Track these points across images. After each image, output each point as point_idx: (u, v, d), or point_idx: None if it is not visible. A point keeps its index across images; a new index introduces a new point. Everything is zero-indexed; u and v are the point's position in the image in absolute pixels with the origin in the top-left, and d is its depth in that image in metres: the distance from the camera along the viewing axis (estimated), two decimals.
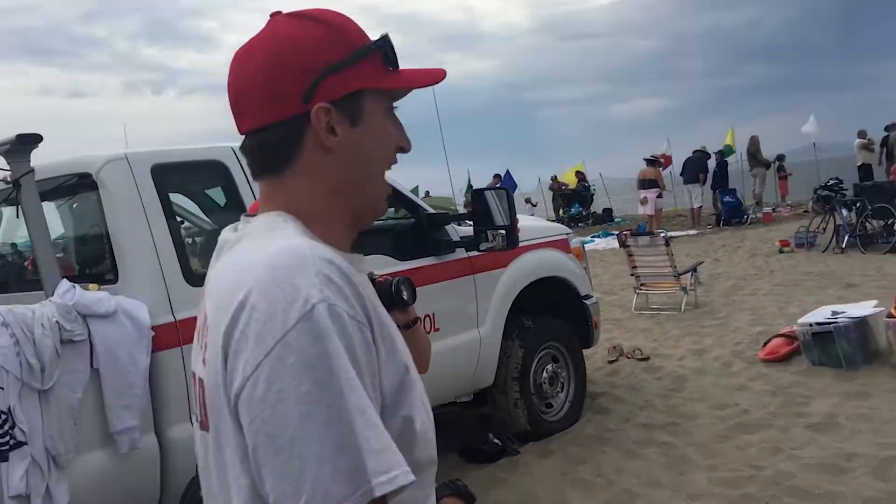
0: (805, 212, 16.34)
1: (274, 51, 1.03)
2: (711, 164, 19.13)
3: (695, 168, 18.68)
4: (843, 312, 6.20)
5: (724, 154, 19.84)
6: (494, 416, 5.10)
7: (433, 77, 1.13)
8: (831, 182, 13.09)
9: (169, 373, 3.25)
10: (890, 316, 5.90)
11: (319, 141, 1.03)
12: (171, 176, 3.66)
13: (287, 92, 1.02)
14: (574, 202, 24.89)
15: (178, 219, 3.90)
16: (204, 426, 1.01)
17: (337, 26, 1.06)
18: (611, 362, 6.90)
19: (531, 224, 5.61)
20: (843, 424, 4.78)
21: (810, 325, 6.08)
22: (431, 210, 4.67)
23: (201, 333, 1.02)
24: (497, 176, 23.29)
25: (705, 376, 6.21)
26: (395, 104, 1.12)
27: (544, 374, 5.22)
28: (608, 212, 24.31)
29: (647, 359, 6.85)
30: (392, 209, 4.86)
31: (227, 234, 1.09)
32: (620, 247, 9.71)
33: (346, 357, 0.88)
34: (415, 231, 4.50)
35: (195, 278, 3.39)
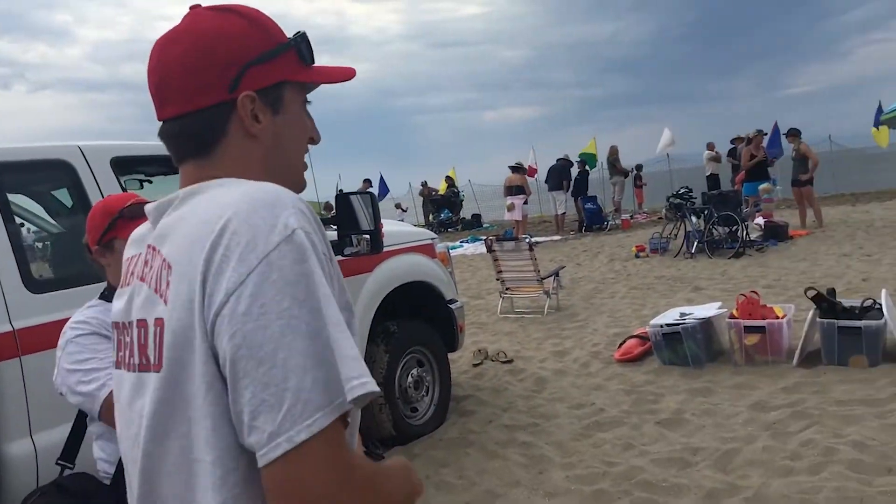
0: (659, 218, 17.20)
1: (200, 41, 1.08)
2: (574, 171, 19.84)
3: (558, 176, 19.34)
4: (690, 314, 6.58)
5: (585, 163, 20.60)
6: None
7: (345, 74, 1.21)
8: (682, 191, 13.85)
9: (7, 386, 3.05)
10: (732, 317, 6.29)
11: (244, 127, 1.10)
12: (10, 176, 3.44)
13: (213, 80, 1.08)
14: (444, 208, 25.20)
15: (20, 221, 3.67)
16: (153, 367, 1.02)
17: (258, 21, 1.13)
18: (476, 365, 7.03)
19: (396, 229, 5.64)
20: (689, 420, 5.07)
21: (661, 326, 6.40)
22: None
23: (153, 278, 1.04)
24: (367, 181, 23.26)
25: (565, 377, 6.42)
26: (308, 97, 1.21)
27: (409, 379, 5.26)
28: (477, 217, 24.75)
29: (510, 361, 7.02)
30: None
31: (159, 202, 1.12)
32: (487, 252, 9.91)
33: (323, 276, 0.96)
34: None
35: (38, 284, 3.20)
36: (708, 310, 6.80)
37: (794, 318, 6.49)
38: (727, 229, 12.53)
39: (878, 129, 17.66)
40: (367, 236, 4.35)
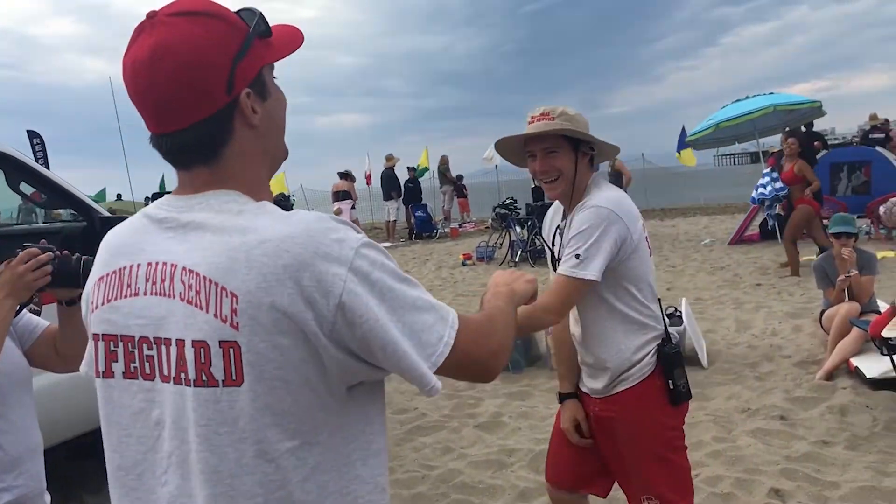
0: (487, 227, 17.70)
1: (186, 54, 1.11)
2: (403, 179, 20.05)
3: (389, 184, 19.47)
4: None
5: (416, 171, 20.86)
6: None
7: (299, 40, 1.26)
8: (507, 201, 14.35)
9: None
10: None
11: (246, 121, 1.17)
12: None
13: (212, 89, 1.12)
14: None
15: None
16: (227, 384, 1.08)
17: (224, 16, 1.16)
18: None
19: None
20: (506, 423, 5.24)
21: None
22: (106, 213, 4.36)
23: (204, 302, 1.09)
24: None
25: (389, 383, 6.44)
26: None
27: None
28: None
29: None
30: (63, 211, 4.47)
31: (168, 208, 1.20)
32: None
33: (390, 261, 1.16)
34: (86, 234, 4.17)
35: None
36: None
37: None
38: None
39: (679, 154, 18.98)
40: None
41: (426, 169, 21.84)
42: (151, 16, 1.14)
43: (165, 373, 1.15)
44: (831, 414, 4.85)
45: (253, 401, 1.08)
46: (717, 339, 6.99)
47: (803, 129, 15.77)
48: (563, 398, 2.74)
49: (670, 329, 2.65)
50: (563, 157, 2.45)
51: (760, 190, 11.77)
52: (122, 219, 4.52)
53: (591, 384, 2.61)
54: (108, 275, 1.23)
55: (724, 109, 14.04)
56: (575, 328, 2.63)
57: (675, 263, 11.80)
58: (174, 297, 1.13)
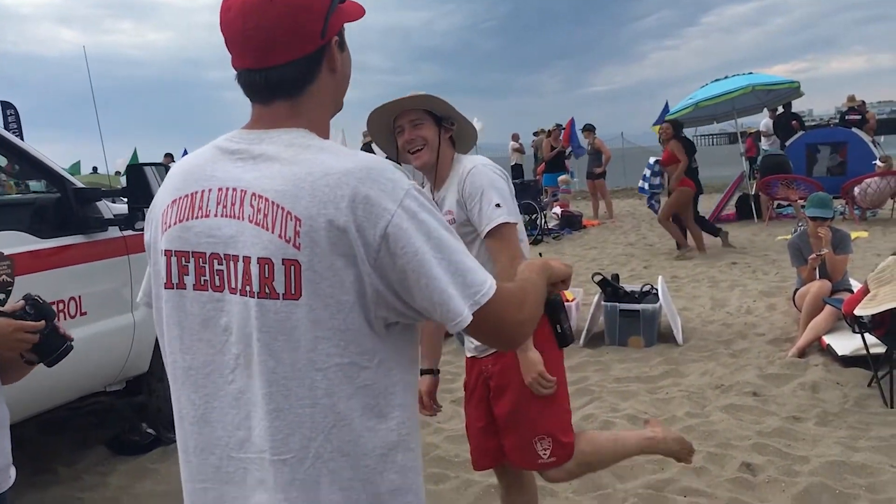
0: None
1: (292, 2, 1.27)
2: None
3: None
4: None
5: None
6: (150, 405, 4.86)
7: (362, 11, 1.41)
8: None
9: None
10: None
11: (331, 65, 1.34)
12: None
13: (311, 30, 1.29)
14: None
15: None
16: (287, 297, 1.22)
17: None
18: None
19: None
20: None
21: None
22: (81, 184, 4.30)
23: (270, 223, 1.23)
24: (168, 155, 22.13)
25: None
26: None
27: None
28: None
29: None
30: (37, 182, 4.41)
31: (239, 141, 1.34)
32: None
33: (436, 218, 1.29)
34: (60, 206, 4.11)
35: None
36: None
37: (581, 302, 6.92)
38: (527, 217, 13.13)
39: (654, 127, 19.00)
40: None
41: None
42: None
43: (233, 285, 1.28)
44: (803, 390, 4.92)
45: (308, 314, 1.22)
46: (693, 316, 7.06)
47: (781, 109, 15.90)
48: (422, 372, 2.86)
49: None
50: (428, 129, 2.63)
51: (641, 182, 12.06)
52: (97, 191, 4.51)
53: (472, 343, 2.77)
54: (180, 198, 1.35)
55: (704, 89, 14.08)
56: None
57: (652, 242, 11.89)
58: (243, 220, 1.26)
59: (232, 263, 1.28)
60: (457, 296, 1.24)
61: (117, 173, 18.89)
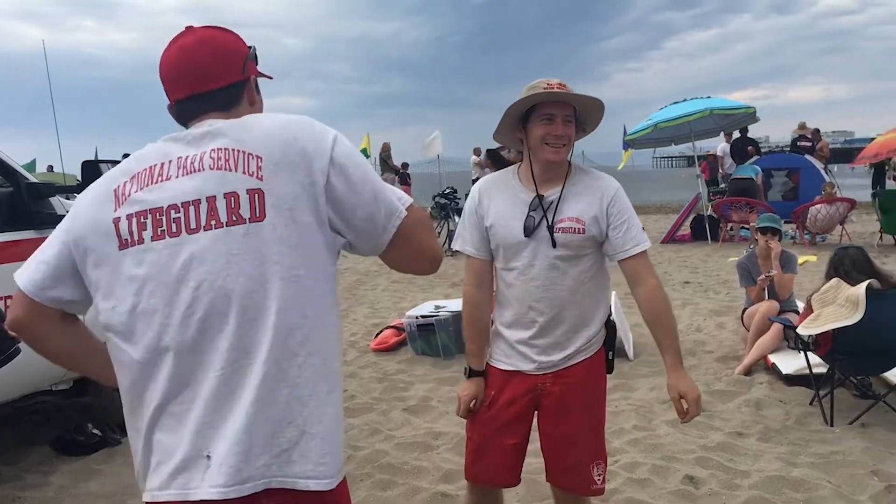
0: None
1: (219, 43, 1.65)
2: None
3: None
4: (444, 307, 6.87)
5: None
6: (96, 405, 4.79)
7: (269, 77, 1.76)
8: (447, 191, 14.39)
9: None
10: None
11: (250, 96, 1.69)
12: None
13: (233, 67, 1.64)
14: None
15: None
16: (253, 220, 1.47)
17: (237, 35, 1.69)
18: None
19: None
20: (435, 407, 5.29)
21: (416, 317, 6.63)
22: (34, 179, 4.25)
23: (232, 165, 1.50)
24: (126, 156, 21.77)
25: None
26: None
27: None
28: None
29: None
30: None
31: (184, 134, 1.59)
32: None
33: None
34: (12, 201, 4.06)
35: None
36: (461, 304, 7.12)
37: None
38: None
39: (626, 150, 19.37)
40: None
41: (367, 153, 21.75)
42: (190, 27, 1.67)
43: (193, 226, 1.48)
44: (747, 407, 5.03)
45: (272, 232, 1.47)
46: (645, 332, 7.14)
47: (738, 133, 16.24)
48: (474, 373, 2.75)
49: None
50: (573, 128, 2.57)
51: None
52: (50, 187, 4.46)
53: (543, 358, 2.62)
54: (139, 172, 1.56)
55: (663, 110, 14.34)
56: (544, 304, 2.58)
57: None
58: (203, 170, 1.51)
59: (192, 208, 1.49)
60: (393, 198, 1.60)
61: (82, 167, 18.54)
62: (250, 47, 1.70)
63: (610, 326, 2.71)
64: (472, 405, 2.72)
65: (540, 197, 2.57)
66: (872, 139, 15.39)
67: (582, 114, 2.59)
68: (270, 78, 1.77)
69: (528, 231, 2.55)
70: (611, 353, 2.69)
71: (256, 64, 1.71)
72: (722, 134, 16.56)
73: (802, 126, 17.53)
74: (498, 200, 2.65)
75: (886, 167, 17.27)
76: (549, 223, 2.54)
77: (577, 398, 2.64)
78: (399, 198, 1.61)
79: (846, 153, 27.91)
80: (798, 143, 16.91)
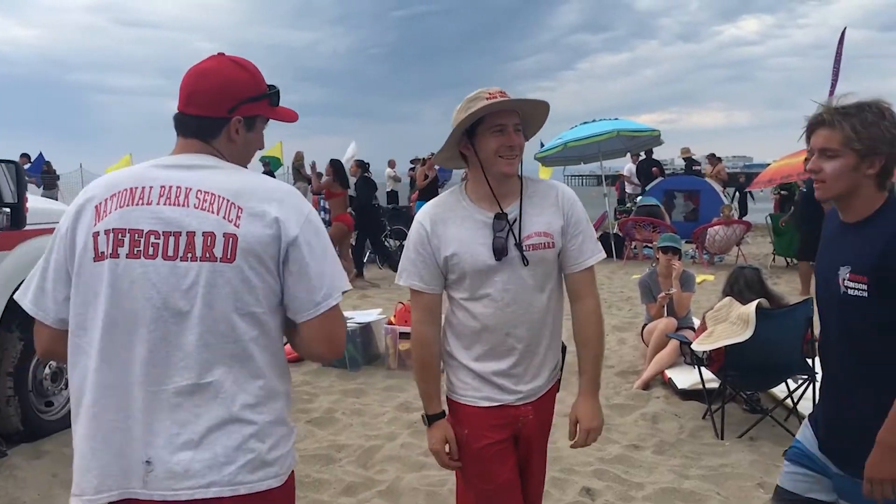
0: None
1: (222, 81, 1.80)
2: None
3: None
4: (351, 318, 6.83)
5: (270, 165, 20.45)
6: None
7: (291, 116, 1.96)
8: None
9: None
10: (389, 323, 6.65)
11: (229, 134, 1.82)
12: None
13: (222, 105, 1.80)
14: None
15: None
16: (223, 260, 1.67)
17: (255, 74, 1.86)
18: None
19: (44, 206, 5.09)
20: (339, 419, 5.25)
21: None
22: None
23: (211, 208, 1.70)
24: (25, 156, 20.90)
25: None
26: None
27: (47, 370, 4.83)
28: None
29: None
30: None
31: (173, 160, 1.80)
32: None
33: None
34: None
35: None
36: (368, 315, 7.11)
37: None
38: (398, 242, 13.22)
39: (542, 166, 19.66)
40: (8, 210, 3.95)
41: (280, 162, 21.44)
42: (220, 54, 1.86)
43: (171, 254, 1.67)
44: (644, 420, 5.19)
45: (238, 274, 1.67)
46: None
47: (643, 155, 16.76)
48: (434, 418, 2.49)
49: None
50: (522, 138, 2.41)
51: None
52: None
53: (525, 387, 2.46)
54: (120, 192, 1.73)
55: (573, 130, 14.68)
56: (523, 329, 2.42)
57: None
58: (189, 206, 1.69)
59: (172, 238, 1.67)
60: (336, 283, 1.77)
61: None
62: (270, 88, 1.87)
63: (564, 349, 2.66)
64: (447, 450, 2.47)
65: (500, 216, 2.39)
66: (769, 164, 16.10)
67: (524, 121, 2.44)
68: (287, 121, 1.95)
69: (499, 254, 2.36)
70: (561, 369, 2.63)
71: (274, 103, 1.89)
72: (629, 155, 17.06)
73: (685, 150, 18.41)
74: (453, 227, 2.42)
75: (795, 191, 18.12)
76: (518, 241, 2.37)
77: (547, 425, 2.59)
78: (339, 286, 1.77)
79: (745, 177, 29.16)
80: (693, 168, 17.68)
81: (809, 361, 4.80)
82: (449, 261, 2.40)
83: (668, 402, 5.53)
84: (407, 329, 6.50)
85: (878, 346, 2.13)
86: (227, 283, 1.66)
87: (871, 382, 2.15)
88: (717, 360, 4.93)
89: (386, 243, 13.12)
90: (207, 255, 1.65)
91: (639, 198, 15.00)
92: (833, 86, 13.52)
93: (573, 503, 3.90)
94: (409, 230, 10.06)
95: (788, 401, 5.07)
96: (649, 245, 13.02)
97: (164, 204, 1.68)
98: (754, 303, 4.74)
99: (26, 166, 18.42)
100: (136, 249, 1.67)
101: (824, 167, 2.18)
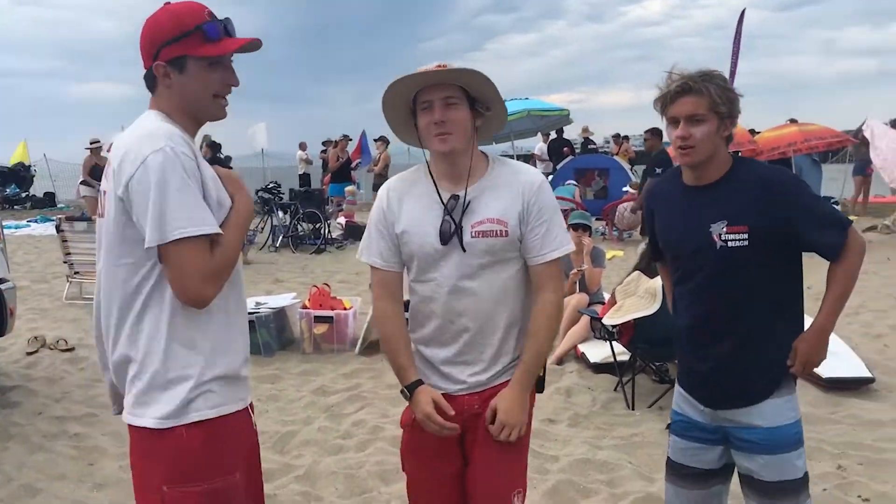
0: None
1: (145, 30, 1.91)
2: None
3: None
4: (265, 303, 6.73)
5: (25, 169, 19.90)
6: None
7: (232, 46, 1.94)
8: (271, 185, 14.10)
9: None
10: (304, 307, 6.57)
11: (164, 80, 1.90)
12: None
13: (148, 55, 1.90)
14: (11, 182, 22.47)
15: None
16: (102, 215, 1.94)
17: (177, 15, 1.89)
18: (30, 354, 6.39)
19: None
20: (254, 405, 5.15)
21: None
22: None
23: (112, 164, 1.88)
24: None
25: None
26: (224, 59, 1.97)
27: None
28: (50, 196, 22.53)
29: (72, 349, 6.51)
30: None
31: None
32: (57, 232, 9.02)
33: (181, 172, 1.80)
34: None
35: None
36: (282, 300, 7.02)
37: (359, 311, 6.99)
38: (311, 226, 13.07)
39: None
40: None
41: (25, 164, 20.86)
42: (165, 4, 1.93)
43: (100, 212, 1.96)
44: (559, 395, 5.29)
45: (111, 226, 1.86)
46: None
47: (554, 134, 17.01)
48: (414, 386, 2.32)
49: None
50: (462, 111, 2.23)
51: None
52: None
53: (471, 378, 2.34)
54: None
55: None
56: (468, 318, 2.30)
57: None
58: (110, 167, 1.88)
59: (103, 198, 1.92)
60: (166, 225, 1.76)
61: None
62: (198, 24, 1.87)
63: None
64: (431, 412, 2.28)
65: (455, 197, 2.27)
66: None
67: (479, 92, 2.26)
68: (217, 54, 1.91)
69: (445, 238, 2.25)
70: (541, 369, 2.39)
71: (212, 38, 1.88)
72: (539, 134, 17.29)
73: (585, 130, 18.82)
74: (409, 203, 2.34)
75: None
76: (458, 225, 2.26)
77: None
78: (181, 227, 1.77)
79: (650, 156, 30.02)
80: (588, 147, 18.09)
81: None
82: (400, 238, 2.33)
83: (581, 377, 5.66)
84: (321, 313, 6.46)
85: (753, 287, 2.33)
86: (107, 235, 1.88)
87: (748, 319, 2.35)
88: (626, 333, 5.06)
89: (298, 227, 12.95)
90: (102, 213, 1.93)
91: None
92: (734, 65, 13.96)
93: None
94: (321, 213, 10.00)
95: None
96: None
97: (110, 165, 1.89)
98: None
99: None
100: (101, 208, 1.97)
101: (693, 133, 2.28)
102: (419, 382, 2.32)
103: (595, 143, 18.37)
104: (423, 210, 2.31)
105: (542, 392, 2.42)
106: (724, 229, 2.29)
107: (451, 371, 2.34)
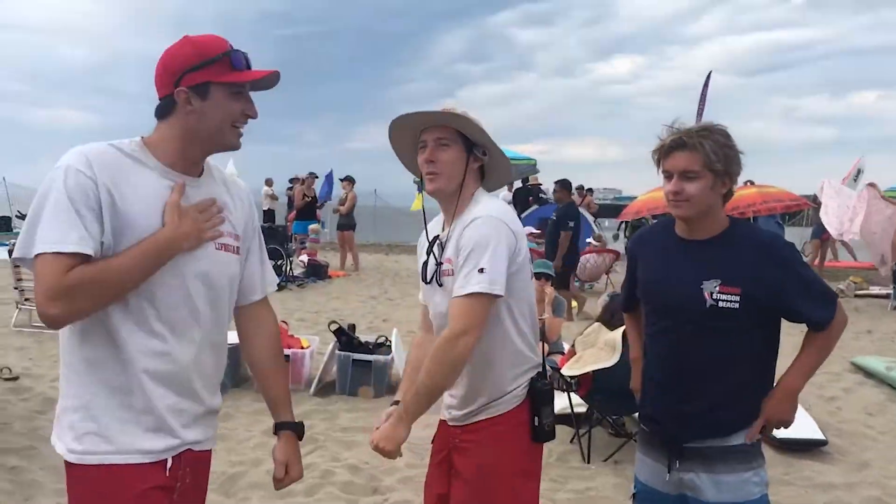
0: None
1: (164, 59, 1.91)
2: None
3: None
4: None
5: None
6: None
7: (257, 75, 1.94)
8: None
9: None
10: None
11: (183, 105, 1.88)
12: None
13: (167, 82, 1.89)
14: None
15: None
16: None
17: (201, 44, 1.89)
18: None
19: None
20: None
21: None
22: None
23: None
24: None
25: None
26: (245, 89, 1.95)
27: None
28: (6, 220, 22.10)
29: (16, 379, 6.30)
30: None
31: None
32: (9, 256, 8.79)
33: (65, 190, 1.75)
34: None
35: None
36: (235, 336, 6.88)
37: (317, 350, 6.89)
38: (273, 262, 12.91)
39: (419, 193, 19.85)
40: None
41: None
42: (185, 36, 1.94)
43: None
44: None
45: None
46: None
47: (521, 183, 17.16)
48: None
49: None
50: (453, 153, 2.30)
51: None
52: None
53: (458, 411, 2.44)
54: None
55: None
56: None
57: (393, 297, 12.16)
58: None
59: None
60: (34, 240, 1.75)
61: None
62: (224, 52, 1.88)
63: (535, 391, 2.40)
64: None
65: (437, 238, 2.41)
66: (636, 197, 16.82)
67: (474, 137, 2.33)
68: (244, 80, 1.92)
69: (425, 276, 2.44)
70: (537, 418, 2.36)
71: (236, 68, 1.90)
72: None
73: (534, 179, 19.00)
74: (421, 238, 2.55)
75: (646, 222, 19.00)
76: (438, 264, 2.36)
77: (479, 458, 2.38)
78: (36, 242, 1.74)
79: (615, 208, 30.41)
80: (540, 196, 18.25)
81: None
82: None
83: None
84: None
85: (734, 346, 2.30)
86: None
87: (726, 372, 2.31)
88: (585, 384, 5.04)
89: None
90: None
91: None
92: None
93: None
94: (283, 250, 9.92)
95: None
96: None
97: None
98: (621, 329, 4.87)
99: None
100: None
101: (686, 188, 2.26)
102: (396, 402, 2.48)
103: (546, 194, 18.52)
104: (422, 248, 2.52)
105: (537, 441, 2.40)
106: (717, 288, 2.25)
107: (446, 398, 2.50)
